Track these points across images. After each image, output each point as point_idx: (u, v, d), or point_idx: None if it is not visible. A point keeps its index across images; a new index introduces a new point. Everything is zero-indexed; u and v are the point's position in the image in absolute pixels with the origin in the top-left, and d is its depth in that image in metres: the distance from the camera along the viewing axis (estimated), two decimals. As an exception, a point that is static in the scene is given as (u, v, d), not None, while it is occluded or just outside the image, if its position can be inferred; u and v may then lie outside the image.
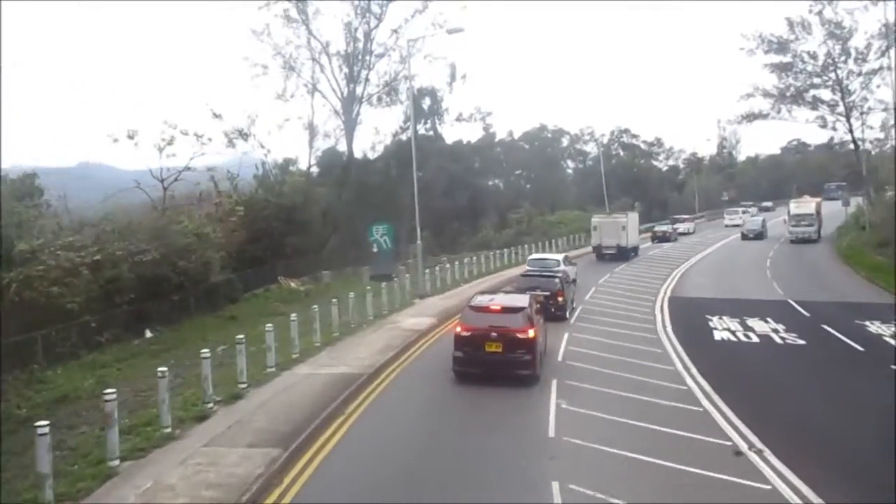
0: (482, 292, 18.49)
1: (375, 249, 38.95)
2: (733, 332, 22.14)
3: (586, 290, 31.01)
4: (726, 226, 67.96)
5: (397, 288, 27.79)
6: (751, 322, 23.68)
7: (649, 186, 77.76)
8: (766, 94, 51.28)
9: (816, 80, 50.96)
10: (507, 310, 15.34)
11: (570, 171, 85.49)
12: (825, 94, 50.50)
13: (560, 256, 32.37)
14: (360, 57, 45.87)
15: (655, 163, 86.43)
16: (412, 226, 46.94)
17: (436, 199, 66.38)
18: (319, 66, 45.41)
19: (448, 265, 36.57)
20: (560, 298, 22.93)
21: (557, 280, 23.68)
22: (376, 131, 53.88)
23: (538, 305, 17.66)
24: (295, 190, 46.65)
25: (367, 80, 47.03)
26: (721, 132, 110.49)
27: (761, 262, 43.38)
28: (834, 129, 51.19)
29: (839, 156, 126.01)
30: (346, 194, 46.11)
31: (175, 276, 24.67)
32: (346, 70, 45.83)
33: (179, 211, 29.29)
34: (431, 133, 54.65)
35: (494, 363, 14.80)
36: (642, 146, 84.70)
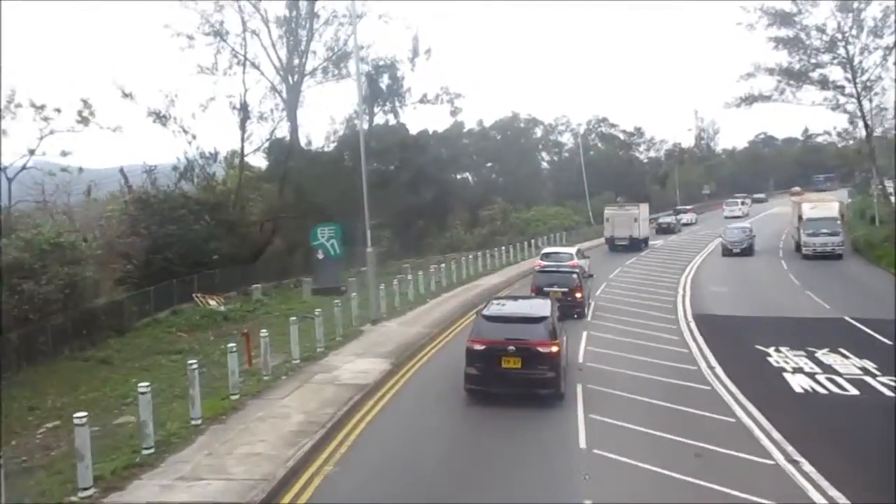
0: (496, 298, 16.80)
1: (321, 256, 31.67)
2: (811, 376, 15.55)
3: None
4: (726, 217, 64.07)
5: (339, 312, 20.55)
6: (823, 356, 17.22)
7: (631, 180, 71.90)
8: (771, 72, 45.20)
9: (824, 58, 45.11)
10: (526, 319, 13.60)
11: (545, 163, 79.04)
12: (836, 74, 44.68)
13: (573, 250, 30.90)
14: (302, 23, 38.31)
15: (636, 154, 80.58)
16: (371, 226, 40.24)
17: (398, 194, 59.56)
18: (253, 34, 37.76)
19: (410, 275, 29.57)
20: (578, 295, 21.82)
21: (575, 276, 22.60)
22: (332, 120, 45.45)
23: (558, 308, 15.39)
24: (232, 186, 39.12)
25: (309, 50, 39.38)
26: (699, 123, 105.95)
27: (775, 262, 37.62)
28: (845, 111, 45.32)
29: (819, 146, 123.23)
30: (288, 189, 38.59)
31: (15, 305, 17.07)
32: (286, 39, 38.18)
33: (33, 213, 21.60)
34: (391, 116, 47.31)
35: (512, 381, 12.95)
36: (621, 136, 78.68)
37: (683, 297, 27.36)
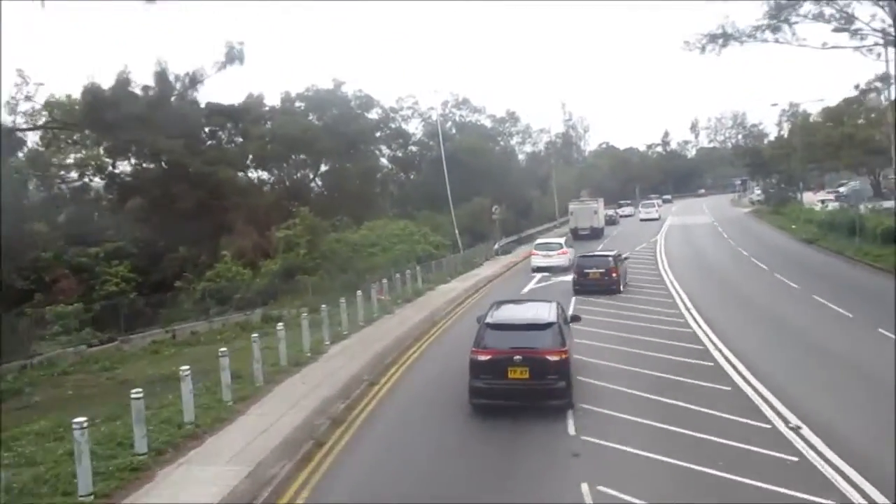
0: (499, 302, 14.38)
1: None
2: None
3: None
4: (642, 220, 60.51)
5: None
6: None
7: (513, 182, 52.22)
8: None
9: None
10: (532, 326, 12.30)
11: (384, 160, 56.54)
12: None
13: (562, 240, 34.86)
14: None
15: (508, 144, 60.86)
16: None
17: (126, 206, 34.26)
18: None
19: None
20: (614, 274, 24.38)
21: (611, 258, 25.20)
22: None
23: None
24: None
25: None
26: (567, 118, 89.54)
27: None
28: (871, 50, 27.48)
29: (675, 153, 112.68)
30: None
31: None
32: None
33: None
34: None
35: (520, 393, 11.75)
36: (489, 123, 58.65)
37: None
